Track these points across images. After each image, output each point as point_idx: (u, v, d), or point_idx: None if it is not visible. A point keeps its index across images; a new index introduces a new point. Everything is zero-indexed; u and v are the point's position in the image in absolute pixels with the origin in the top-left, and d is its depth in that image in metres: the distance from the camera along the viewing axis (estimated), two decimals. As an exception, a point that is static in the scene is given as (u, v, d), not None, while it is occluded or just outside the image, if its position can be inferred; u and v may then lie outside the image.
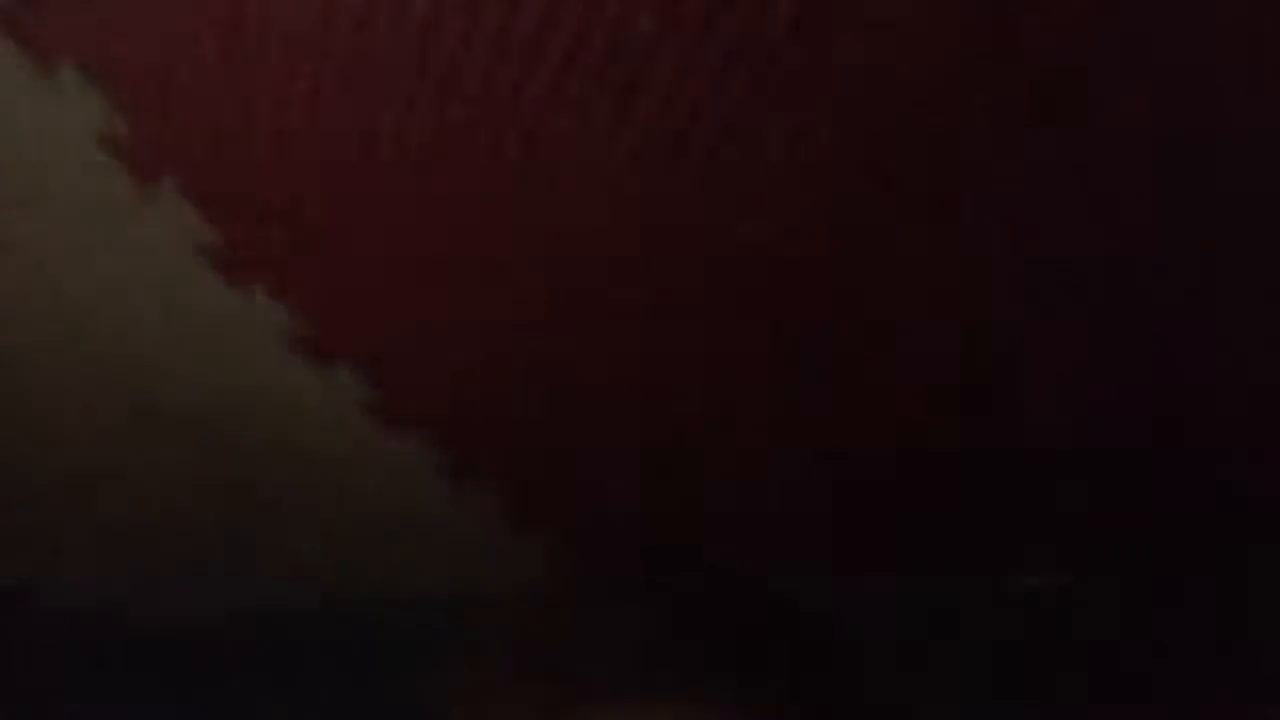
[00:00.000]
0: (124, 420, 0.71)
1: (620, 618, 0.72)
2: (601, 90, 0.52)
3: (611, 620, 0.72)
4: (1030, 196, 0.55)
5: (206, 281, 0.62)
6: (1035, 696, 0.75)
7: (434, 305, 0.62)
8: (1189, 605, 0.73)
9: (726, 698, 0.71)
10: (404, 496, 0.74)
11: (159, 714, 0.83)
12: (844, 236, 0.57)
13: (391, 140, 0.55)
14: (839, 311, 0.60)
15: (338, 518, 0.76)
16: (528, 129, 0.54)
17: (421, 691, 0.79)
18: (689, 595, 0.73)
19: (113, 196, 0.59)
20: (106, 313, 0.65)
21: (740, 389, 0.65)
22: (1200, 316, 0.60)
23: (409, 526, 0.76)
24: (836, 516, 0.71)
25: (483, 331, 0.64)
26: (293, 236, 0.60)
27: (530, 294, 0.61)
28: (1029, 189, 0.55)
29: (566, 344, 0.63)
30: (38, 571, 0.82)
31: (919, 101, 0.52)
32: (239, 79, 0.54)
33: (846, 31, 0.49)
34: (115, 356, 0.67)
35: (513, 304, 0.62)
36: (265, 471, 0.73)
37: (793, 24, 0.49)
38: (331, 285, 0.62)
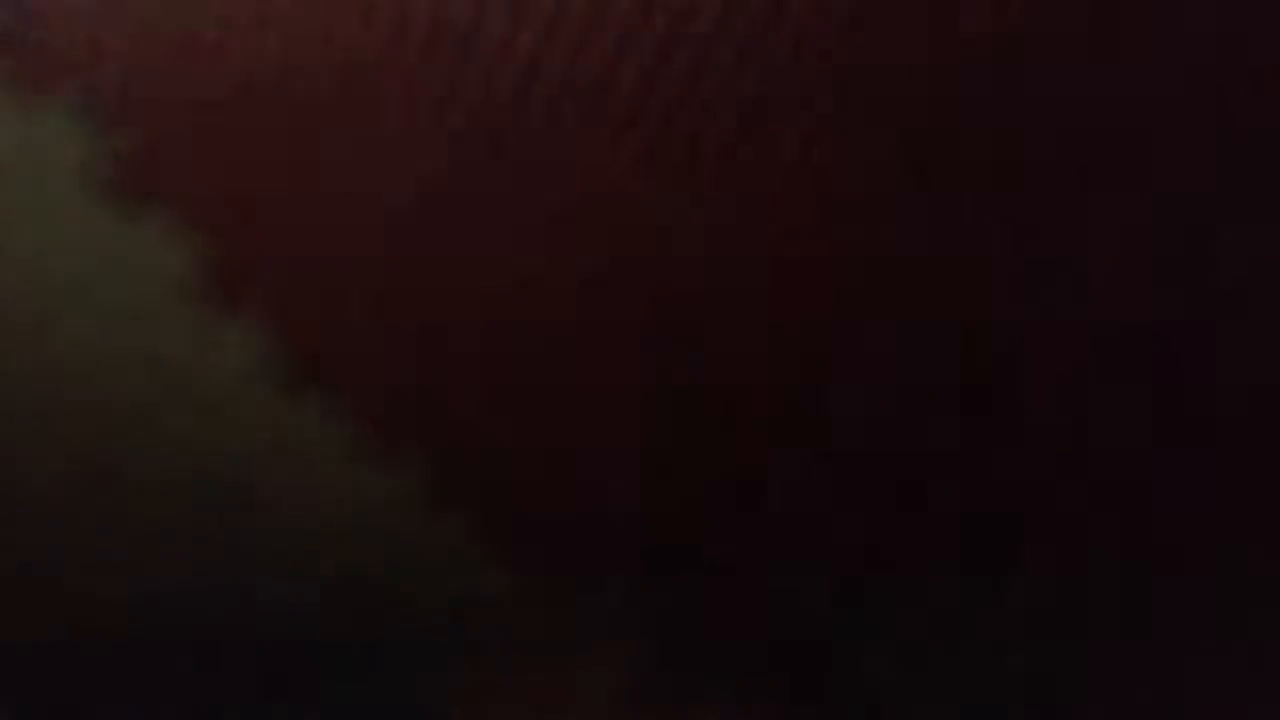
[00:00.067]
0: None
1: (620, 618, 0.72)
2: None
3: (611, 620, 0.72)
4: (1034, 200, 0.55)
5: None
6: (1035, 696, 0.75)
7: (434, 306, 0.62)
8: (1189, 605, 0.73)
9: (726, 698, 0.71)
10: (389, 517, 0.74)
11: (159, 714, 0.83)
12: (844, 237, 0.57)
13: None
14: (839, 311, 0.60)
15: (338, 518, 0.76)
16: (531, 129, 0.54)
17: (421, 691, 0.79)
18: (689, 595, 0.73)
19: None
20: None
21: (740, 389, 0.65)
22: (1200, 316, 0.60)
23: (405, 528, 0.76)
24: (837, 516, 0.71)
25: (482, 333, 0.63)
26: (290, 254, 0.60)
27: (530, 293, 0.61)
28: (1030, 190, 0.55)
29: (566, 344, 0.63)
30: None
31: (925, 102, 0.52)
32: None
33: (861, 33, 0.49)
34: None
35: (513, 304, 0.62)
36: (265, 471, 0.73)
37: (806, 27, 0.49)
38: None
